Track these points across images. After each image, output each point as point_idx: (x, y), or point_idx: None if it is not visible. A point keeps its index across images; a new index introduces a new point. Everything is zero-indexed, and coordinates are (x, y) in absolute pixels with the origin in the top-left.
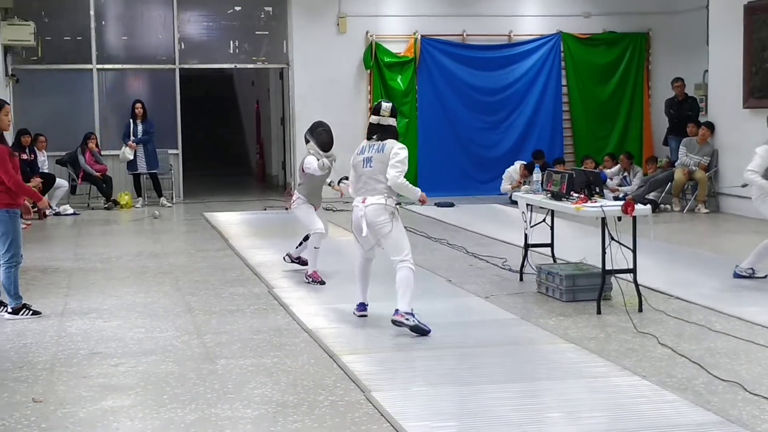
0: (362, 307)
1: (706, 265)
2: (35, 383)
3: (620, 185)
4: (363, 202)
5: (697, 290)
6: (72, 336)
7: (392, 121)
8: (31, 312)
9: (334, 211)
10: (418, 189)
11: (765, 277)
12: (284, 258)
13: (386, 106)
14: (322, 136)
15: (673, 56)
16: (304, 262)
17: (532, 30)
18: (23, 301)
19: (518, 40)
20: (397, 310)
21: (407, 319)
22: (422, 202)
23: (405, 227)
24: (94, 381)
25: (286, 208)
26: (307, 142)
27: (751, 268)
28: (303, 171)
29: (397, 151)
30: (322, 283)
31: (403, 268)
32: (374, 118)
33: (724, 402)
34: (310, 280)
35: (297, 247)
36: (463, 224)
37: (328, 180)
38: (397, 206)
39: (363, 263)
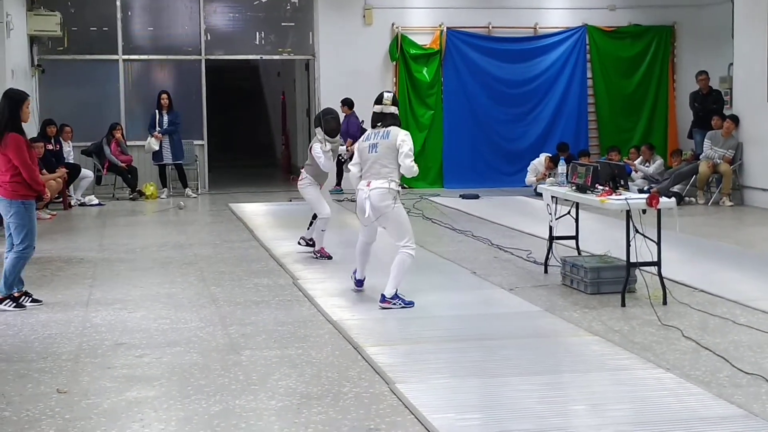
0: (359, 283)
1: (730, 258)
2: (59, 374)
3: (644, 177)
4: (368, 185)
5: (721, 283)
6: (96, 327)
7: (394, 109)
8: (15, 305)
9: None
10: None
11: None
12: (299, 242)
13: (388, 95)
14: (330, 123)
15: (698, 49)
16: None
17: (558, 23)
18: (14, 292)
19: (544, 33)
20: (383, 297)
21: (394, 304)
22: None
23: (430, 219)
24: (119, 372)
25: (292, 178)
26: (316, 126)
27: None
28: (311, 153)
29: (404, 139)
30: (330, 257)
31: (402, 253)
32: (377, 108)
33: (748, 395)
34: (318, 255)
35: (308, 228)
36: (488, 216)
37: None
38: (400, 189)
39: (362, 245)
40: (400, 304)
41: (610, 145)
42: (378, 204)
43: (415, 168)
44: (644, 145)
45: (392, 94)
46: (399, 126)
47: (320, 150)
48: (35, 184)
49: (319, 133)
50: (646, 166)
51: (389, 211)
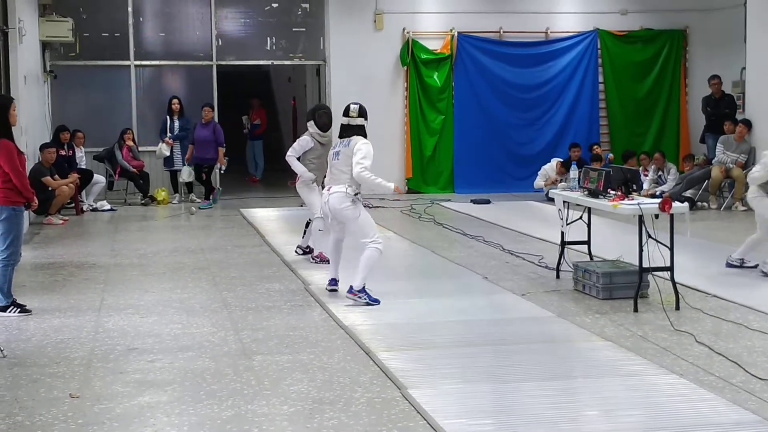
0: (333, 282)
1: None
2: (72, 379)
3: (657, 183)
4: (329, 190)
5: (734, 288)
6: (109, 332)
7: (360, 121)
8: (19, 309)
9: (370, 207)
10: (389, 184)
11: (756, 266)
12: (296, 251)
13: (354, 107)
14: (322, 118)
15: (710, 53)
16: (312, 251)
17: (569, 27)
18: (12, 299)
19: (555, 37)
20: (351, 288)
21: (360, 298)
22: (397, 191)
23: (441, 224)
24: (131, 377)
25: (290, 183)
26: (308, 120)
27: (741, 259)
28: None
29: (360, 147)
30: (328, 261)
31: (369, 248)
32: (344, 120)
33: (762, 401)
34: (318, 260)
35: (303, 237)
36: (499, 221)
37: (313, 178)
38: (357, 195)
39: (335, 242)
40: (365, 299)
41: (622, 149)
42: (336, 207)
43: (365, 174)
44: (657, 152)
45: (359, 105)
46: (364, 137)
47: (296, 147)
48: (25, 191)
49: (311, 126)
50: (659, 175)
51: (348, 212)
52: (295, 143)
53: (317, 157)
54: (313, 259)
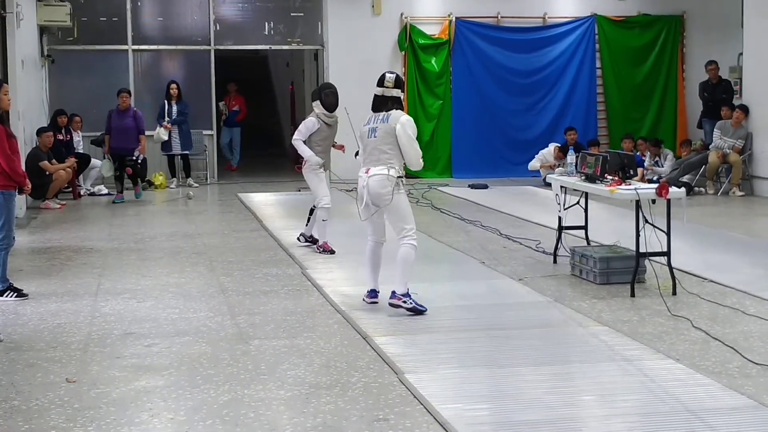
0: (373, 294)
1: (740, 248)
2: (69, 363)
3: (655, 165)
4: (367, 172)
5: (731, 273)
6: (106, 316)
7: (396, 92)
8: (15, 294)
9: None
10: None
11: None
12: (298, 239)
13: (390, 77)
14: (329, 97)
15: (707, 39)
16: (316, 240)
17: (567, 12)
18: (9, 283)
19: (553, 23)
20: (394, 293)
21: (404, 302)
22: None
23: (439, 209)
24: (128, 361)
25: (296, 167)
26: (313, 100)
27: None
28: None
29: (404, 123)
30: (332, 252)
31: (404, 245)
32: (378, 90)
33: (758, 386)
34: (321, 250)
35: (306, 225)
36: (496, 206)
37: (321, 162)
38: (401, 179)
39: (373, 246)
40: (411, 303)
41: (619, 135)
42: (377, 191)
43: (421, 161)
44: (650, 142)
45: (395, 75)
46: (402, 110)
47: (302, 130)
48: (15, 175)
49: (317, 107)
50: (654, 161)
51: (389, 199)
52: (300, 125)
53: (323, 139)
54: (318, 248)
